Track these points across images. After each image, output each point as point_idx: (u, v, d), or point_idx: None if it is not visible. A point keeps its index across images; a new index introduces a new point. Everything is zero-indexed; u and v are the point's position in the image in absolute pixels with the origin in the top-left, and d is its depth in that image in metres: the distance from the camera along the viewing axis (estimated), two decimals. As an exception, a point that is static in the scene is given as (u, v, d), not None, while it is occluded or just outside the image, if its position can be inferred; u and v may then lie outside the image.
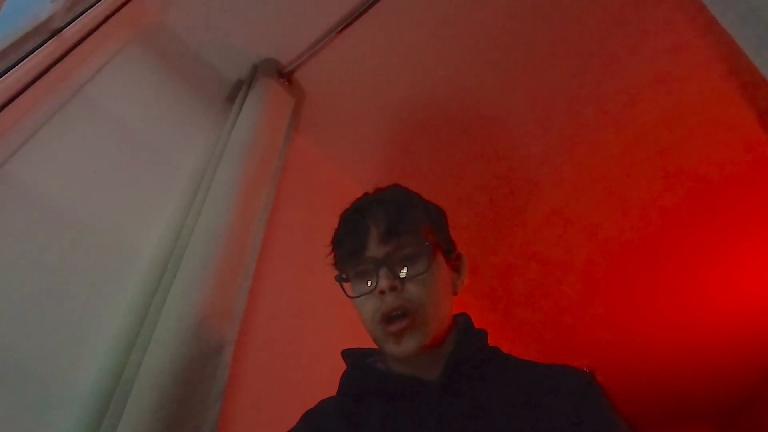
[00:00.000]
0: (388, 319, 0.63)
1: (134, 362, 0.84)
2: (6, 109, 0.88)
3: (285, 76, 1.47)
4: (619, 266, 2.20)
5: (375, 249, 0.66)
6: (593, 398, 0.60)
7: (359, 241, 0.67)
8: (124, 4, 1.22)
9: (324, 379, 0.73)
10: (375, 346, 0.71)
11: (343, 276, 0.70)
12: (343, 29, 1.37)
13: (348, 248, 0.69)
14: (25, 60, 0.95)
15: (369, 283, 0.65)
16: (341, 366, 0.73)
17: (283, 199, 1.36)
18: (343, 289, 0.72)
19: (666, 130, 1.65)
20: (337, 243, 0.73)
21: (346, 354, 0.73)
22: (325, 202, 1.64)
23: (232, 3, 1.36)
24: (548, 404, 0.59)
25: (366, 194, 0.75)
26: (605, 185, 1.85)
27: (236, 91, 1.44)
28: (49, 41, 1.01)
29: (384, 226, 0.66)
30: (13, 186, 0.89)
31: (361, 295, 0.66)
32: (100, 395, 0.84)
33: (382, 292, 0.63)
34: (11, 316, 0.81)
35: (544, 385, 0.62)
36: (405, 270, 0.64)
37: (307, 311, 1.35)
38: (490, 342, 0.70)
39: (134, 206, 1.08)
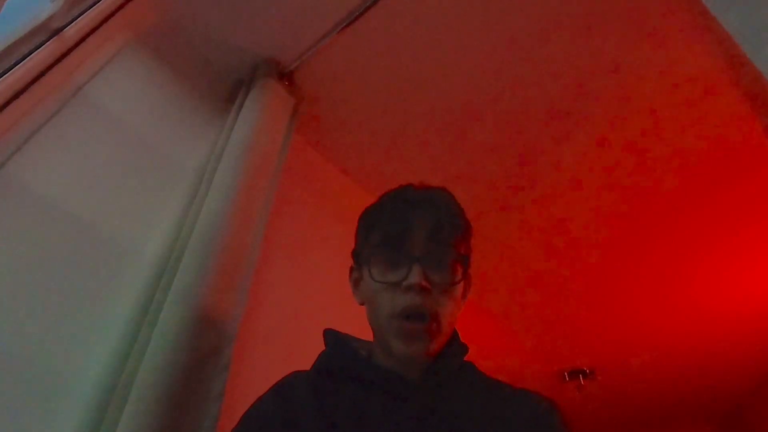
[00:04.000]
0: (407, 315, 0.62)
1: (134, 362, 0.84)
2: (6, 109, 0.88)
3: (285, 76, 1.46)
4: (619, 267, 2.20)
5: (416, 244, 0.65)
6: (551, 423, 0.63)
7: (403, 230, 0.65)
8: (124, 4, 1.22)
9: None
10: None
11: (362, 254, 0.70)
12: (343, 29, 1.37)
13: (388, 233, 0.67)
14: (25, 60, 0.95)
15: (398, 274, 0.63)
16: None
17: (283, 199, 1.37)
18: (355, 258, 0.72)
19: (657, 127, 1.64)
20: (374, 223, 0.70)
21: (329, 334, 0.73)
22: (325, 202, 1.64)
23: (233, 3, 1.36)
24: (510, 424, 0.61)
25: (411, 186, 0.73)
26: (598, 186, 1.85)
27: (236, 91, 1.44)
28: (49, 41, 1.01)
29: (431, 226, 0.66)
30: (13, 186, 0.89)
31: (386, 282, 0.64)
32: (100, 394, 0.84)
33: (410, 288, 0.62)
34: (12, 316, 0.81)
35: (508, 406, 0.64)
36: (437, 275, 0.64)
37: (307, 311, 1.35)
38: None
39: (134, 206, 1.08)
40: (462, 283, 0.69)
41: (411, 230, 0.65)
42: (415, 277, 0.62)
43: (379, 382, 0.64)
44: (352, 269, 0.75)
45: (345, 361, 0.68)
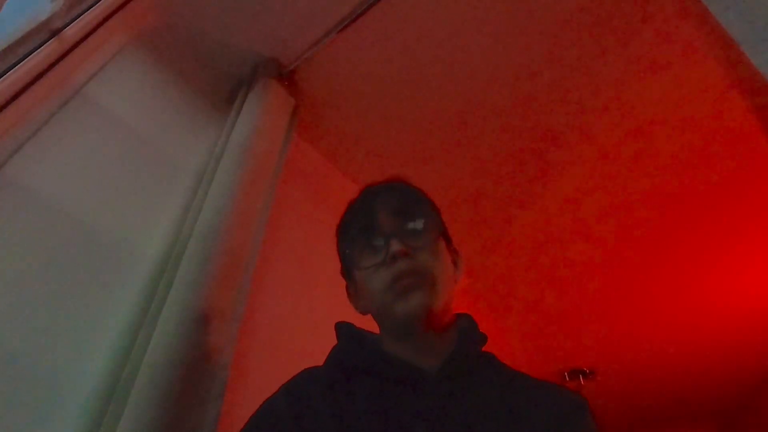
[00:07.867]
0: (398, 278, 0.64)
1: (135, 362, 0.84)
2: (6, 109, 0.88)
3: (285, 76, 1.46)
4: (619, 266, 2.20)
5: (386, 223, 0.69)
6: (581, 422, 0.61)
7: (370, 217, 0.71)
8: (124, 4, 1.22)
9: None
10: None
11: (347, 258, 0.73)
12: (343, 29, 1.37)
13: (360, 224, 0.72)
14: (25, 60, 0.95)
15: (381, 254, 0.67)
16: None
17: (283, 199, 1.37)
18: (345, 270, 0.76)
19: (662, 126, 1.64)
20: (347, 223, 0.75)
21: (342, 326, 0.73)
22: (324, 202, 1.64)
23: (233, 3, 1.36)
24: (537, 418, 0.59)
25: (369, 185, 0.78)
26: (600, 185, 1.85)
27: (236, 92, 1.44)
28: (49, 41, 1.01)
29: (394, 204, 0.71)
30: (13, 186, 0.89)
31: (373, 266, 0.67)
32: (100, 394, 0.84)
33: (394, 258, 0.65)
34: (11, 315, 0.81)
35: (536, 400, 0.62)
36: (414, 241, 0.67)
37: (307, 311, 1.35)
38: (492, 345, 0.71)
39: (134, 206, 1.08)
40: (446, 252, 0.71)
41: (378, 213, 0.70)
42: (394, 247, 0.65)
43: (396, 374, 0.63)
44: (347, 287, 0.77)
45: (360, 353, 0.67)
